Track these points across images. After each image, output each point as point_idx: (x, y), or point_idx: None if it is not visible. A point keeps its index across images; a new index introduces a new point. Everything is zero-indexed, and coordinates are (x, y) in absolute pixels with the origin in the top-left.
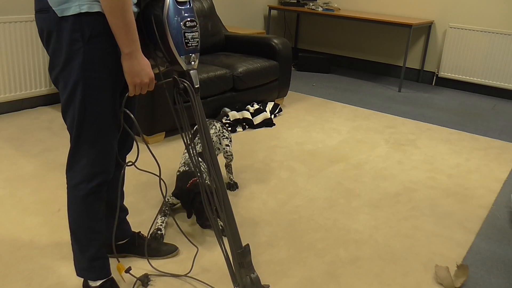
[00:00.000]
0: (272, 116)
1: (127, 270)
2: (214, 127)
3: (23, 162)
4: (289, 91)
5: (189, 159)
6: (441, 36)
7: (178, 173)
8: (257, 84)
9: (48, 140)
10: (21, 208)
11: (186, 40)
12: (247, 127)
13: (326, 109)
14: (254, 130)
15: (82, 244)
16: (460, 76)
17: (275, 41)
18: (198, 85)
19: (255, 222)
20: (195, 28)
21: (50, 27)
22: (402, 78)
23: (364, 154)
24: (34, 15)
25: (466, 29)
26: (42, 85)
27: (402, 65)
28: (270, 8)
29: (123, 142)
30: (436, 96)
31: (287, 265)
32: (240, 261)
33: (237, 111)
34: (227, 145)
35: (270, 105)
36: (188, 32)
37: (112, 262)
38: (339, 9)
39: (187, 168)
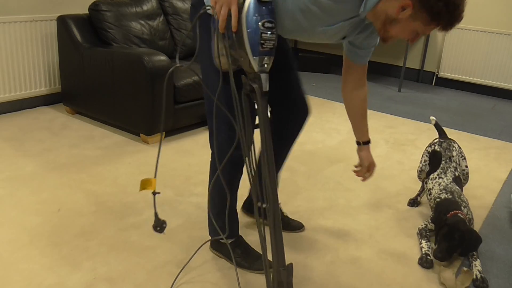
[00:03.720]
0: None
1: (154, 193)
2: (454, 148)
3: (23, 162)
4: None
5: (449, 186)
6: (441, 36)
7: (438, 199)
8: None
9: (48, 140)
10: (21, 208)
11: (262, 41)
12: None
13: (326, 109)
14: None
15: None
16: (460, 76)
17: None
18: (267, 89)
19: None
20: (273, 30)
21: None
22: (402, 78)
23: None
24: (34, 15)
25: (466, 29)
26: (42, 85)
27: (402, 65)
28: None
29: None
30: (436, 96)
31: None
32: (281, 280)
33: None
34: (466, 166)
35: None
36: (265, 33)
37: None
38: None
39: (450, 196)
